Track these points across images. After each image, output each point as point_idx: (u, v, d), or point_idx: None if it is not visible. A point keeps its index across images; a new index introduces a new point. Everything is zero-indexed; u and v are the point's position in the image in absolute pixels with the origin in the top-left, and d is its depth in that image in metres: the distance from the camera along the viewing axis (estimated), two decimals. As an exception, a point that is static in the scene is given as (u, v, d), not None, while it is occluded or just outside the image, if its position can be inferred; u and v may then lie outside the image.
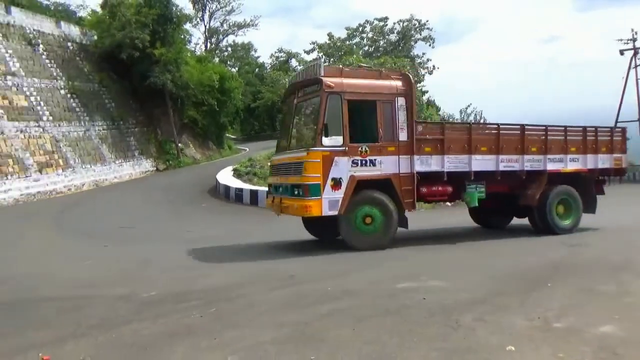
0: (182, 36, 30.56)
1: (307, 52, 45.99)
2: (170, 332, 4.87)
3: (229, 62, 49.89)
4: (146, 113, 29.39)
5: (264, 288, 6.59)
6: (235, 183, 18.75)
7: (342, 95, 8.66)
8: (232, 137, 46.77)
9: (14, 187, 17.47)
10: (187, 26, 34.02)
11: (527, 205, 10.27)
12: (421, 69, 40.02)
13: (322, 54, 45.04)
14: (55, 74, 23.09)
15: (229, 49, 52.28)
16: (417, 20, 41.33)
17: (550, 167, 10.24)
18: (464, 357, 3.97)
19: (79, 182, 21.21)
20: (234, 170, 21.41)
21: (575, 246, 9.17)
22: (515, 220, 11.79)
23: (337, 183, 8.54)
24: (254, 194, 17.00)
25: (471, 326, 4.66)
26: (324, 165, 8.49)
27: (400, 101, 9.02)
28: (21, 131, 19.21)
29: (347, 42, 43.62)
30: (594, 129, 10.97)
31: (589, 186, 10.72)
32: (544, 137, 10.29)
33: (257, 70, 50.71)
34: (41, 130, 20.38)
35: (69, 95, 23.25)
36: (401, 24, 41.36)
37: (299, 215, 8.99)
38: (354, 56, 34.59)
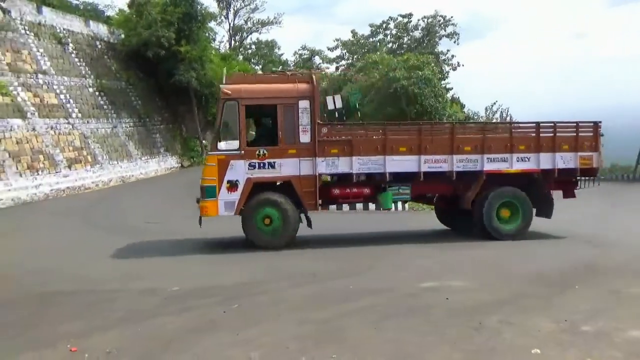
0: (207, 34, 30.85)
1: (331, 50, 45.91)
2: (193, 326, 4.94)
3: (252, 60, 50.17)
4: (171, 110, 29.82)
5: (286, 285, 6.62)
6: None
7: (239, 101, 8.89)
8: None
9: (45, 183, 17.93)
10: (212, 24, 34.33)
11: (465, 208, 9.73)
12: (445, 66, 39.54)
13: (345, 51, 44.91)
14: (84, 72, 23.62)
15: (253, 46, 52.56)
16: (441, 16, 40.76)
17: (490, 167, 9.47)
18: (487, 359, 3.91)
19: (106, 178, 21.66)
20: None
21: (603, 247, 8.94)
22: (540, 223, 11.53)
23: (233, 185, 8.88)
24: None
25: (495, 328, 4.59)
26: (219, 169, 8.88)
27: (303, 104, 9.01)
28: (51, 128, 19.71)
29: (371, 40, 43.35)
30: (551, 124, 9.89)
31: (542, 188, 9.74)
32: (480, 136, 9.60)
33: (280, 68, 50.85)
34: (70, 127, 20.88)
35: (97, 93, 23.75)
36: (425, 20, 40.86)
37: (201, 215, 9.18)
38: (378, 53, 34.40)
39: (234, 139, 9.05)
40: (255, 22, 49.63)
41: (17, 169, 17.07)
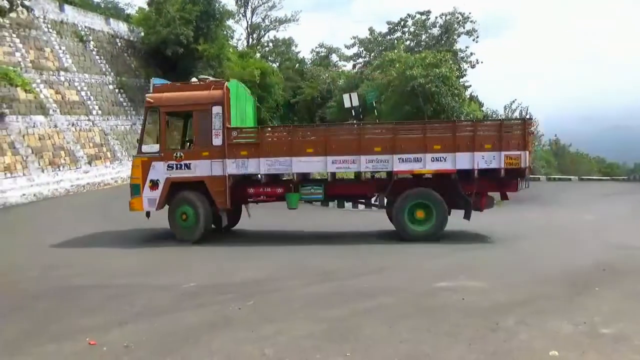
0: (225, 32, 31.08)
1: (348, 47, 45.74)
2: (209, 322, 4.99)
3: (270, 58, 50.32)
4: (189, 108, 30.18)
5: (300, 283, 6.63)
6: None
7: (159, 108, 9.84)
8: (272, 132, 47.09)
9: (65, 178, 18.28)
10: (230, 22, 34.58)
11: (381, 208, 9.78)
12: (464, 63, 39.08)
13: (362, 48, 44.70)
14: (104, 69, 24.00)
15: (270, 44, 52.72)
16: (460, 13, 40.31)
17: (402, 167, 9.34)
18: (504, 361, 3.87)
19: (125, 175, 21.94)
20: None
21: (625, 248, 8.75)
22: (560, 222, 11.37)
23: (154, 184, 9.77)
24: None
25: (512, 329, 4.54)
26: (142, 169, 9.80)
27: (216, 109, 9.57)
28: (73, 124, 20.08)
29: (388, 37, 43.08)
30: (469, 122, 9.50)
31: (458, 189, 9.44)
32: (390, 136, 9.45)
33: (297, 65, 50.93)
34: (91, 123, 21.25)
35: (117, 90, 24.12)
36: (444, 17, 40.45)
37: (130, 210, 10.07)
38: (395, 51, 34.18)
39: (156, 143, 10.08)
40: (272, 19, 49.80)
41: (39, 164, 17.43)
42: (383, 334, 4.53)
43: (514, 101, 30.13)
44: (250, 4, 48.13)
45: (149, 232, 11.11)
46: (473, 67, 39.79)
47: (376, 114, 30.83)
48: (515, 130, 9.33)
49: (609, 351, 4.00)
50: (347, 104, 29.30)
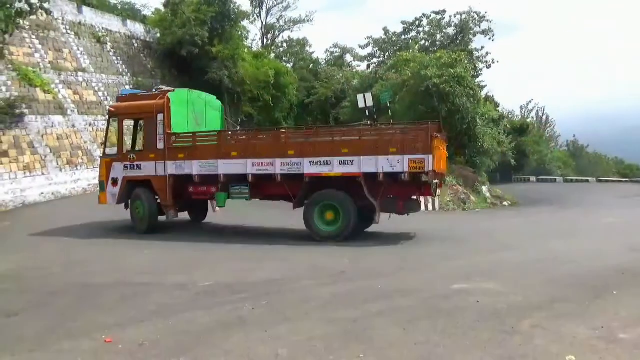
0: (240, 33, 31.21)
1: (362, 47, 45.64)
2: (223, 322, 5.02)
3: (284, 58, 50.45)
4: (204, 108, 30.37)
5: (314, 283, 6.64)
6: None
7: (118, 116, 11.44)
8: (286, 132, 47.25)
9: (83, 178, 18.55)
10: (245, 23, 34.70)
11: (295, 208, 10.21)
12: (479, 63, 38.72)
13: (377, 48, 44.54)
14: (121, 70, 24.30)
15: (285, 44, 52.86)
16: (475, 12, 39.94)
17: (312, 170, 9.61)
18: (519, 365, 3.83)
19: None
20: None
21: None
22: (578, 225, 11.19)
23: (115, 182, 11.18)
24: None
25: (528, 333, 4.48)
26: (106, 169, 11.38)
27: (160, 117, 10.67)
28: (90, 124, 20.37)
29: (403, 37, 42.85)
30: (374, 127, 9.67)
31: (365, 192, 9.47)
32: (302, 140, 9.99)
33: (311, 65, 50.98)
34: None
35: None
36: (459, 16, 40.12)
37: (99, 203, 11.67)
38: (410, 51, 34.01)
39: (115, 146, 11.61)
40: (287, 20, 49.92)
41: (57, 164, 17.72)
42: (397, 335, 4.50)
43: (530, 101, 29.83)
44: (265, 4, 48.32)
45: (165, 231, 11.23)
46: (489, 67, 39.42)
47: (390, 114, 30.71)
48: (419, 134, 9.37)
49: (627, 357, 3.93)
50: (361, 105, 29.23)
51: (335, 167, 9.48)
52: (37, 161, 16.93)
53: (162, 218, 11.28)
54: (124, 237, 10.74)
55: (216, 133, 11.04)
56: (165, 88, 11.76)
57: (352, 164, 9.37)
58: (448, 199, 20.19)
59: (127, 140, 12.15)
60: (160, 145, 10.70)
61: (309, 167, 9.61)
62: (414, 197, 10.30)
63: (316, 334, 4.58)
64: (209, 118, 11.86)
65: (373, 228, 10.71)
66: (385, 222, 10.18)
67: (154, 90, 11.65)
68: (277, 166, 9.83)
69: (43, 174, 16.92)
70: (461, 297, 5.70)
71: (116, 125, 11.51)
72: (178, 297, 6.05)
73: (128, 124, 12.17)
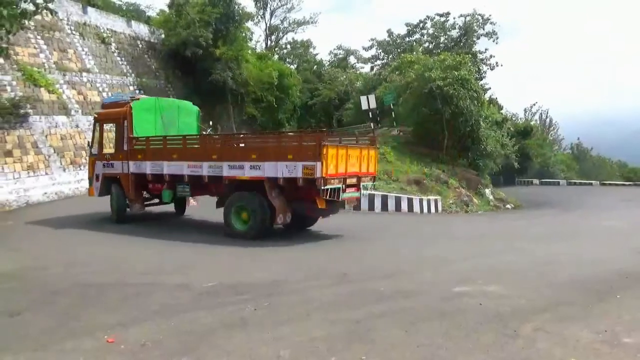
0: (244, 34, 31.26)
1: (366, 49, 45.68)
2: (225, 322, 5.02)
3: (288, 60, 50.49)
4: (207, 109, 30.28)
5: (316, 285, 6.63)
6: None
7: (99, 121, 13.07)
8: (289, 133, 47.20)
9: (86, 178, 18.55)
10: (249, 24, 34.74)
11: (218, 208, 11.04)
12: (483, 65, 38.69)
13: (380, 50, 44.54)
14: (125, 70, 24.37)
15: (289, 46, 52.93)
16: (479, 15, 39.91)
17: (229, 173, 10.45)
18: (522, 368, 3.81)
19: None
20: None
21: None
22: (579, 228, 11.15)
23: (97, 177, 12.83)
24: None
25: (531, 336, 4.47)
26: (91, 166, 13.11)
27: (126, 122, 12.04)
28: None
29: (407, 39, 42.85)
30: (274, 135, 10.52)
31: (267, 195, 10.02)
32: (220, 146, 11.00)
33: (315, 67, 51.01)
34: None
35: (137, 91, 24.46)
36: (463, 19, 40.11)
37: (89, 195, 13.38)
38: (414, 53, 34.00)
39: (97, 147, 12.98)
40: (291, 21, 49.97)
41: (61, 164, 17.78)
42: (399, 337, 4.50)
43: (534, 104, 29.82)
44: (269, 6, 48.38)
45: (168, 231, 11.25)
46: (492, 69, 39.40)
47: (393, 116, 30.66)
48: (310, 141, 9.79)
49: (631, 361, 3.91)
50: (364, 106, 29.29)
51: (247, 171, 10.23)
52: (40, 161, 16.99)
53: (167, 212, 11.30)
54: (126, 237, 10.76)
55: (161, 138, 11.99)
56: (142, 97, 13.15)
57: (259, 168, 10.08)
58: (451, 201, 20.17)
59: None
60: (125, 147, 12.16)
61: (228, 170, 10.45)
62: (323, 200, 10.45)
63: (318, 335, 4.58)
64: (181, 123, 13.02)
65: (375, 230, 10.72)
66: (387, 224, 10.16)
67: (129, 98, 12.69)
68: (205, 169, 10.79)
69: (47, 173, 16.98)
70: (463, 300, 5.69)
71: (98, 128, 13.07)
72: (180, 297, 6.05)
73: (109, 127, 13.51)
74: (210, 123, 19.54)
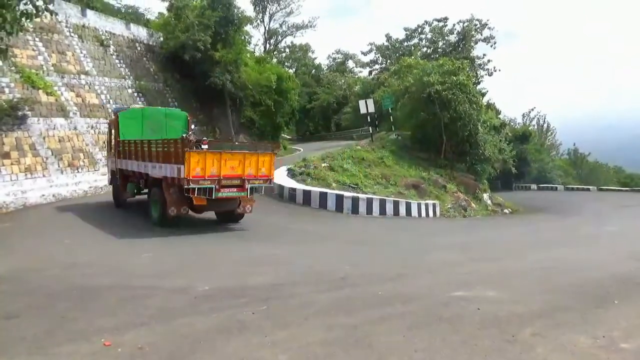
0: (243, 38, 31.28)
1: (365, 54, 45.81)
2: (223, 327, 5.00)
3: (286, 63, 50.56)
4: (206, 112, 30.35)
5: (314, 289, 6.62)
6: (289, 183, 18.97)
7: (109, 126, 15.97)
8: (287, 137, 47.36)
9: (84, 180, 18.56)
10: (248, 28, 34.79)
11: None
12: (481, 70, 38.83)
13: (379, 55, 44.67)
14: (123, 73, 24.35)
15: (287, 50, 53.01)
16: (477, 20, 40.10)
17: (149, 172, 12.54)
18: (520, 374, 3.81)
19: (142, 177, 22.25)
20: (289, 170, 21.68)
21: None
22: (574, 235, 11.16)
23: (108, 170, 15.98)
24: (307, 194, 17.12)
25: (529, 341, 4.47)
26: (109, 161, 16.05)
27: (113, 129, 15.01)
28: (92, 127, 20.40)
29: (405, 44, 43.00)
30: (162, 141, 11.90)
31: (165, 191, 11.72)
32: (146, 149, 12.62)
33: (313, 71, 51.09)
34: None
35: (135, 94, 24.44)
36: (461, 24, 40.27)
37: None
38: (412, 58, 34.10)
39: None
40: (290, 25, 50.08)
41: (58, 166, 17.73)
42: (397, 342, 4.49)
43: (532, 109, 29.90)
44: (268, 9, 48.49)
45: (165, 234, 11.21)
46: (490, 74, 39.56)
47: (392, 120, 30.70)
48: (174, 147, 11.21)
49: (629, 367, 3.91)
50: (362, 110, 29.31)
51: (157, 170, 12.07)
52: (38, 163, 16.94)
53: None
54: (123, 239, 10.73)
55: (131, 141, 13.82)
56: (135, 106, 16.44)
57: (160, 168, 11.90)
58: (449, 206, 20.19)
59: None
60: (114, 148, 15.00)
61: (151, 169, 12.43)
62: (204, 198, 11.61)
63: (316, 339, 4.57)
64: (169, 128, 14.68)
65: (374, 235, 10.71)
66: (385, 228, 10.16)
67: (116, 111, 15.63)
68: (149, 168, 12.54)
69: (44, 175, 16.93)
70: (462, 305, 5.69)
71: (109, 131, 15.89)
72: (178, 301, 6.02)
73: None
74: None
